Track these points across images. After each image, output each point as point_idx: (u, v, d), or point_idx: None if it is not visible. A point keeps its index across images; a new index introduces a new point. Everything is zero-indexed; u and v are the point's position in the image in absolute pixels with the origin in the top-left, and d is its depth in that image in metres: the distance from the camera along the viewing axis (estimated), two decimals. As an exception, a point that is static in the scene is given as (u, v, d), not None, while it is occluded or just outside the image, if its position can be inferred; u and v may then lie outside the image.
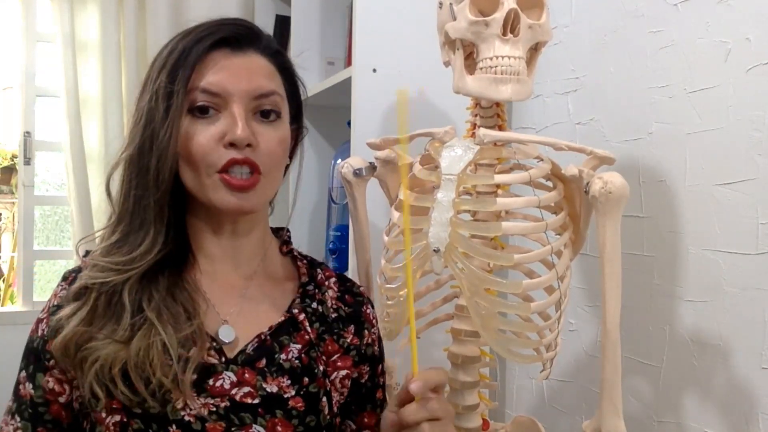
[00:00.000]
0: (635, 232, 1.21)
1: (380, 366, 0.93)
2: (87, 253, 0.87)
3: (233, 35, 0.81)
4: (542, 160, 0.99)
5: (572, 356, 1.38)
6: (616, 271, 0.90)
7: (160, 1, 2.06)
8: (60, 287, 0.85)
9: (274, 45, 0.87)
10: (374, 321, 0.93)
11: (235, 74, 0.79)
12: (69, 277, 0.86)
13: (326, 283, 0.91)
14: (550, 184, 1.00)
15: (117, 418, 0.76)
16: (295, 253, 0.93)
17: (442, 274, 0.98)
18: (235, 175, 0.78)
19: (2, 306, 2.95)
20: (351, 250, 1.39)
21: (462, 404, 1.06)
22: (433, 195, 0.96)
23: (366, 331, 0.91)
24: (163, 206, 0.79)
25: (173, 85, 0.77)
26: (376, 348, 0.92)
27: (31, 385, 0.82)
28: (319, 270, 0.93)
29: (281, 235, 0.94)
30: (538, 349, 0.99)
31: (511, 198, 0.98)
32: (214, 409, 0.77)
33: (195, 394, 0.77)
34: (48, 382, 0.81)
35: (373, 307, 0.95)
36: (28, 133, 2.10)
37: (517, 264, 0.95)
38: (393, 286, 1.03)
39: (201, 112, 0.78)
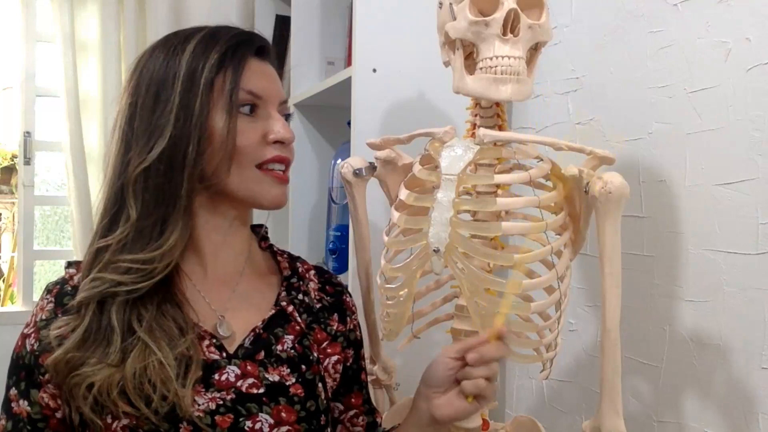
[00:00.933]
0: (635, 232, 1.21)
1: (361, 349, 0.99)
2: (69, 264, 0.88)
3: (263, 45, 0.88)
4: (542, 160, 0.99)
5: (572, 356, 1.38)
6: (616, 271, 0.90)
7: (160, 1, 2.06)
8: (46, 301, 0.84)
9: (275, 59, 0.94)
10: (354, 308, 0.99)
11: (270, 80, 0.87)
12: (53, 290, 0.85)
13: (307, 275, 0.96)
14: (550, 184, 1.00)
15: (125, 421, 0.76)
16: (275, 249, 0.98)
17: (442, 274, 0.98)
18: (275, 170, 0.85)
19: (2, 306, 2.95)
20: (351, 250, 1.39)
21: (462, 404, 1.06)
22: (433, 195, 0.96)
23: (348, 318, 0.96)
24: (192, 199, 0.81)
25: (223, 83, 0.81)
26: (357, 333, 0.98)
27: (26, 402, 0.81)
28: (298, 263, 0.98)
29: (259, 231, 0.97)
30: (538, 349, 0.99)
31: (511, 198, 0.98)
32: (222, 402, 0.79)
33: (203, 390, 0.79)
34: (43, 397, 0.80)
35: (351, 296, 1.00)
36: (28, 133, 2.10)
37: (517, 264, 0.95)
38: (393, 286, 1.03)
39: (247, 110, 0.83)
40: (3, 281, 3.38)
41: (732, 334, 1.05)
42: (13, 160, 3.98)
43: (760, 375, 1.01)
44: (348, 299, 0.99)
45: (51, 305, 0.83)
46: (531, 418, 1.12)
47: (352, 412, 0.96)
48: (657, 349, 1.18)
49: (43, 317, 0.82)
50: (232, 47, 0.83)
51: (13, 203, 3.94)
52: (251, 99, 0.83)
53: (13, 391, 0.82)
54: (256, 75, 0.85)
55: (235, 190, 0.83)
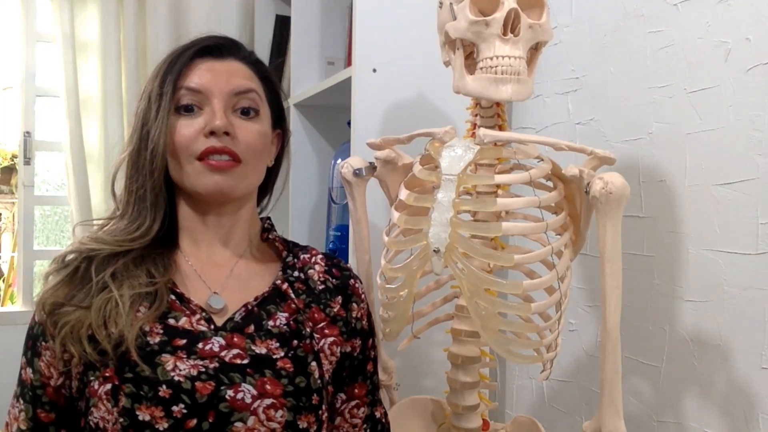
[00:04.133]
0: (635, 232, 1.21)
1: (371, 340, 0.98)
2: None
3: (215, 45, 0.91)
4: (542, 160, 0.99)
5: (572, 356, 1.38)
6: (617, 271, 0.90)
7: (160, 1, 2.06)
8: None
9: (255, 56, 0.96)
10: (363, 296, 0.98)
11: (216, 75, 0.88)
12: None
13: (312, 260, 0.96)
14: (550, 184, 1.00)
15: (109, 386, 0.79)
16: (271, 237, 0.98)
17: (442, 274, 0.98)
18: (211, 160, 0.85)
19: (2, 306, 2.95)
20: (351, 250, 1.39)
21: (462, 404, 1.06)
22: (433, 195, 0.96)
23: (354, 305, 0.95)
24: (158, 194, 0.87)
25: (162, 88, 0.86)
26: (365, 322, 0.97)
27: (30, 370, 0.86)
28: (302, 252, 0.98)
29: (262, 224, 1.00)
30: (539, 350, 0.99)
31: (511, 198, 0.98)
32: (204, 369, 0.81)
33: (185, 356, 0.81)
34: (41, 366, 0.85)
35: (361, 282, 0.99)
36: (28, 133, 2.10)
37: (518, 264, 0.95)
38: (393, 286, 1.03)
39: (186, 110, 0.87)
40: (3, 281, 3.38)
41: (732, 334, 1.05)
42: (13, 160, 3.98)
43: (760, 375, 1.01)
44: (356, 284, 0.97)
45: None
46: (531, 418, 1.12)
47: (353, 403, 0.96)
48: (657, 349, 1.18)
49: None
50: (174, 58, 0.89)
51: (13, 203, 3.94)
52: (190, 97, 0.87)
53: (23, 359, 0.87)
54: (196, 72, 0.88)
55: (183, 183, 0.88)
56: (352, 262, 1.38)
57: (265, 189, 0.99)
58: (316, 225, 1.94)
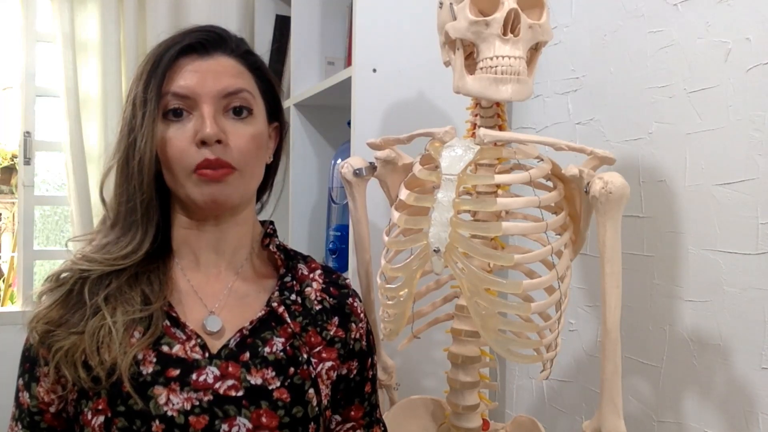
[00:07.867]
0: (635, 232, 1.21)
1: (369, 359, 0.94)
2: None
3: (199, 41, 0.85)
4: (542, 160, 0.99)
5: (572, 356, 1.38)
6: (616, 271, 0.90)
7: (160, 1, 2.06)
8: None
9: (244, 46, 0.90)
10: (362, 315, 0.94)
11: (203, 76, 0.83)
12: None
13: (310, 275, 0.93)
14: (550, 184, 1.00)
15: (102, 418, 0.77)
16: (272, 247, 0.93)
17: (442, 274, 0.98)
18: (204, 170, 0.81)
19: (2, 306, 2.95)
20: (351, 250, 1.39)
21: (462, 404, 1.06)
22: (433, 195, 0.96)
23: (353, 325, 0.92)
24: (149, 208, 0.83)
25: (146, 93, 0.81)
26: (364, 343, 0.93)
27: (27, 394, 0.84)
28: (302, 264, 0.94)
29: (263, 228, 0.95)
30: (538, 350, 0.99)
31: (511, 198, 0.98)
32: (197, 403, 0.78)
33: (178, 388, 0.78)
34: (39, 392, 0.83)
35: (360, 300, 0.96)
36: (28, 133, 2.10)
37: (517, 264, 0.95)
38: (393, 286, 1.03)
39: (174, 115, 0.82)
40: (3, 281, 3.38)
41: (732, 334, 1.05)
42: (13, 160, 3.98)
43: (760, 375, 1.01)
44: (355, 303, 0.94)
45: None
46: (531, 418, 1.12)
47: (348, 425, 0.93)
48: (657, 349, 1.18)
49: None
50: (157, 59, 0.83)
51: (13, 203, 3.94)
52: (176, 102, 0.82)
53: (21, 382, 0.85)
54: (181, 74, 0.82)
55: (178, 192, 0.84)
56: (352, 262, 1.38)
57: (264, 186, 0.95)
58: (316, 225, 1.94)
